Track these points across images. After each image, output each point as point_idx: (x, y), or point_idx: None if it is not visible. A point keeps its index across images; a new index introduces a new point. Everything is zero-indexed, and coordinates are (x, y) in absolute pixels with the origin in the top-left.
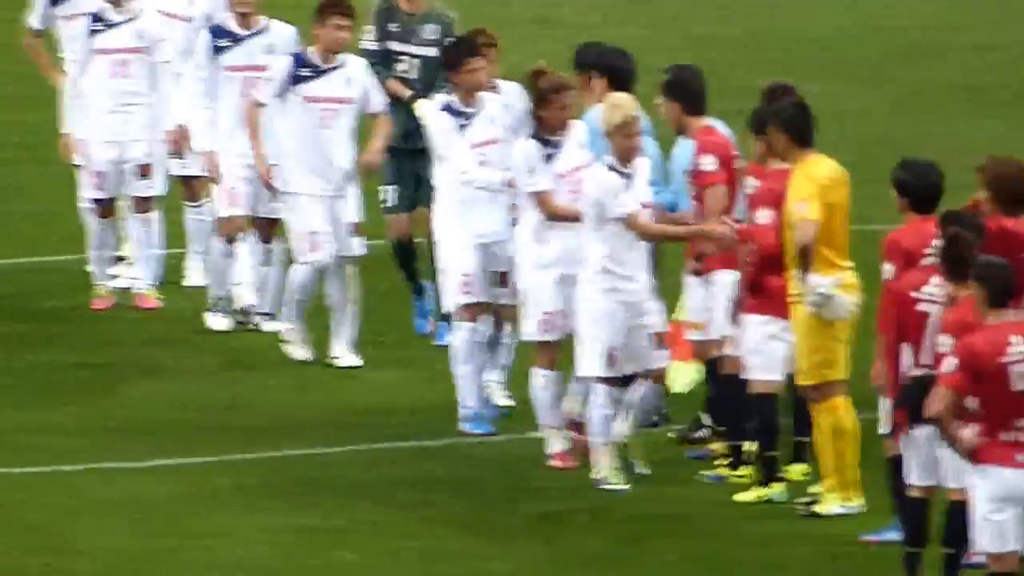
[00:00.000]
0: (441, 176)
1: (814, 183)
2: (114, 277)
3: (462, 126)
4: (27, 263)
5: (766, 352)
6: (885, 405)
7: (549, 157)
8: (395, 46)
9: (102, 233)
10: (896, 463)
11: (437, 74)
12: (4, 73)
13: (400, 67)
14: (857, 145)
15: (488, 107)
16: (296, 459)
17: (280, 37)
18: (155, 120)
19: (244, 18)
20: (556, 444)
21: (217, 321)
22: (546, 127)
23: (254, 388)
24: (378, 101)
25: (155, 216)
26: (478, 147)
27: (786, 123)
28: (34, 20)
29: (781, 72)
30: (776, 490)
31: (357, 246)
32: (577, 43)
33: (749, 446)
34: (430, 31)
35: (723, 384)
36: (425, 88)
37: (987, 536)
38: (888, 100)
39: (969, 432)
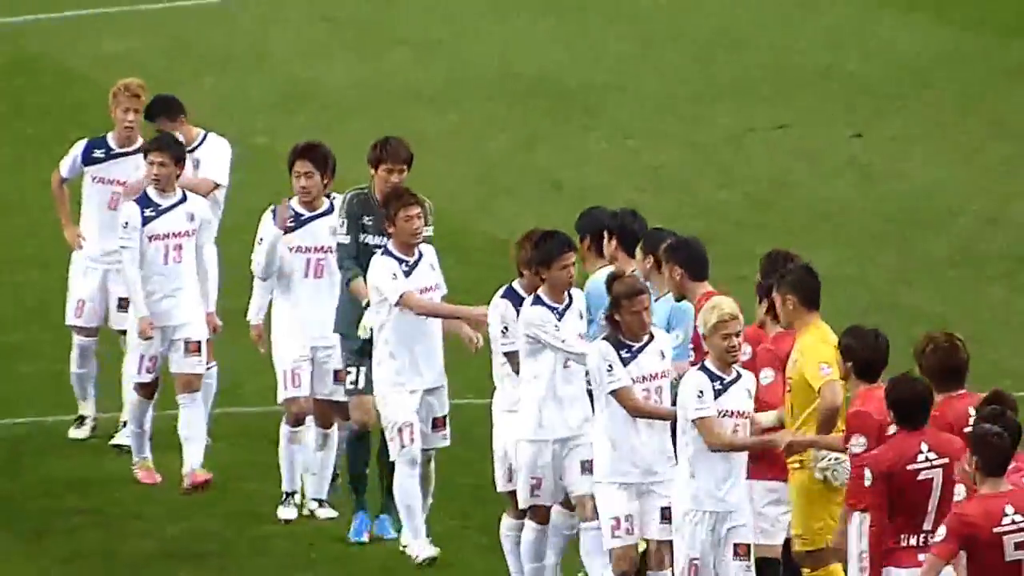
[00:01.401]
0: (525, 375)
1: (831, 347)
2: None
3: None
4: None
5: (771, 518)
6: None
7: (624, 360)
8: (371, 239)
9: (143, 410)
10: None
11: None
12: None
13: None
14: (859, 313)
15: (575, 302)
16: None
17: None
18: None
19: (308, 203)
20: None
21: (289, 512)
22: (623, 331)
23: (254, 551)
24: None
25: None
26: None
27: (795, 286)
28: (64, 168)
29: (782, 239)
30: None
31: (442, 439)
32: (584, 208)
33: None
34: None
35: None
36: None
37: None
38: (890, 268)
39: None
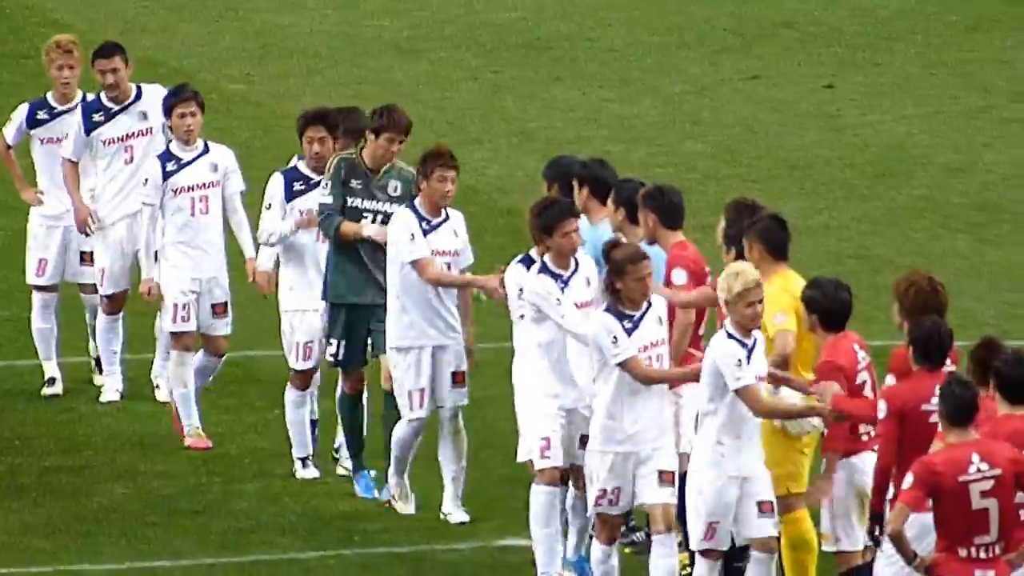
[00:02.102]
0: (529, 338)
1: (791, 296)
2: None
3: (562, 289)
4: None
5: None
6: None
7: (628, 331)
8: (358, 203)
9: (184, 368)
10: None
11: None
12: None
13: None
14: (829, 261)
15: (582, 268)
16: (265, 564)
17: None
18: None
19: (319, 169)
20: None
21: (310, 471)
22: (623, 299)
23: (226, 493)
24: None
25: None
26: (582, 308)
27: (763, 235)
28: (8, 134)
29: (751, 189)
30: None
31: (460, 396)
32: (552, 156)
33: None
34: (393, 187)
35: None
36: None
37: None
38: (858, 218)
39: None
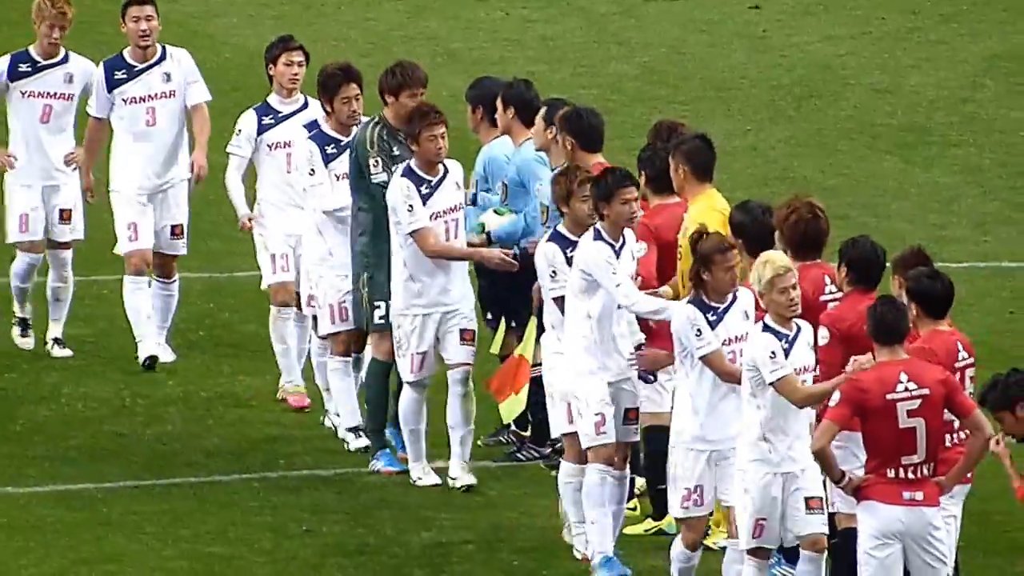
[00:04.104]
0: (577, 310)
1: (719, 214)
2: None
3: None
4: None
5: (654, 385)
6: None
7: (712, 324)
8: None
9: (283, 325)
10: None
11: None
12: None
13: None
14: (755, 183)
15: (628, 241)
16: (191, 487)
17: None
18: None
19: (348, 128)
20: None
21: (361, 441)
22: (709, 290)
23: (150, 418)
24: None
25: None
26: None
27: (689, 156)
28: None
29: (677, 110)
30: (667, 522)
31: (465, 353)
32: (476, 77)
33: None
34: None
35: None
36: None
37: (871, 572)
38: (784, 139)
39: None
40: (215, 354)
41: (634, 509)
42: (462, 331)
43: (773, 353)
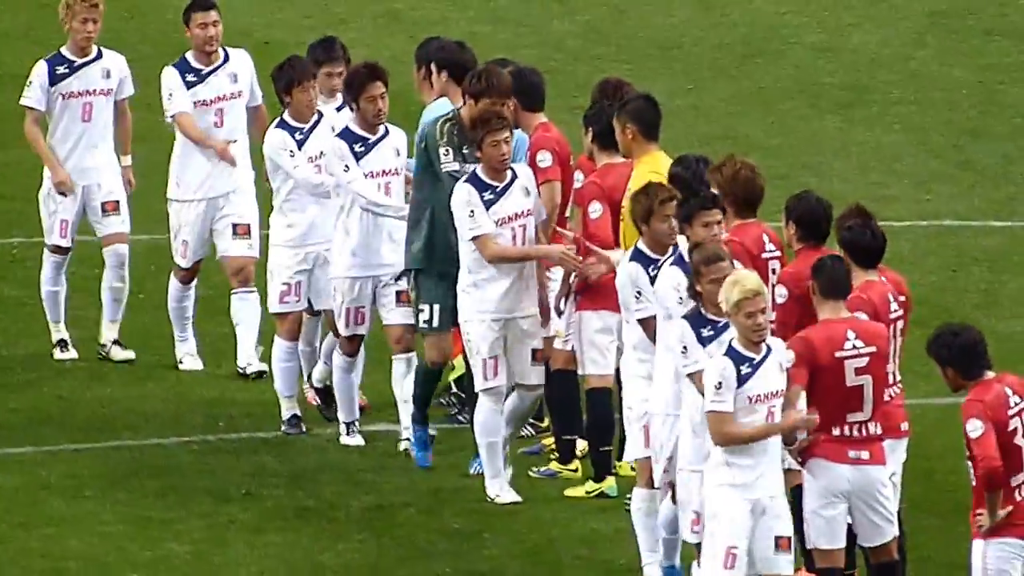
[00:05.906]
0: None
1: (662, 178)
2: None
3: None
4: None
5: (599, 347)
6: None
7: (706, 340)
8: (455, 167)
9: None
10: None
11: None
12: None
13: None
14: (697, 142)
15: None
16: (130, 450)
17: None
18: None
19: (372, 128)
20: None
21: (355, 439)
22: (705, 303)
23: (90, 378)
24: None
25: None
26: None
27: (635, 115)
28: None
29: (619, 69)
30: (608, 485)
31: (537, 375)
32: (420, 38)
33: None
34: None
35: (555, 379)
36: None
37: (816, 531)
38: (726, 98)
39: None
40: (155, 317)
41: (575, 471)
42: (533, 351)
43: (719, 384)
